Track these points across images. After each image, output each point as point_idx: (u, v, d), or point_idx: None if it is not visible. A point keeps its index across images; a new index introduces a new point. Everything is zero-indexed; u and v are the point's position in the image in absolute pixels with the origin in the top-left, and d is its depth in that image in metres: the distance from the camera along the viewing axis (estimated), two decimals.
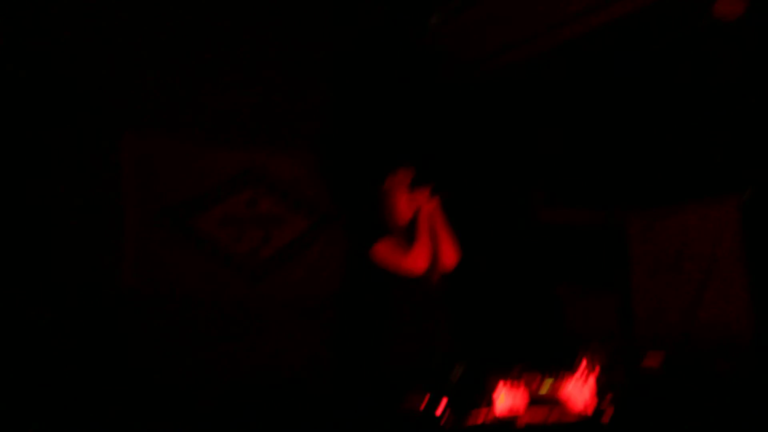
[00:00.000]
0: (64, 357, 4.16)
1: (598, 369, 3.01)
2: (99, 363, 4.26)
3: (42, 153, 4.31)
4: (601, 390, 2.98)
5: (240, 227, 4.81)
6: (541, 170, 5.33)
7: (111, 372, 4.27)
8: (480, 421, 2.84)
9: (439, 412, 2.86)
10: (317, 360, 4.84)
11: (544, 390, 3.09)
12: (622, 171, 5.64)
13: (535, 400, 3.06)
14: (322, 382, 4.77)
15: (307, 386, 4.75)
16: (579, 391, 3.02)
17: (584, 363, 3.04)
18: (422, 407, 2.93)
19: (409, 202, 3.58)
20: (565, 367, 3.11)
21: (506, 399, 2.95)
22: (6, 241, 4.14)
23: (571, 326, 5.32)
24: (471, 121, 5.18)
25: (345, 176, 5.10)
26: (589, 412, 2.91)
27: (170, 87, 4.65)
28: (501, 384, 2.98)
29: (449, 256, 3.60)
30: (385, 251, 3.46)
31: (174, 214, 4.63)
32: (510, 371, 3.07)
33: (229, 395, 4.56)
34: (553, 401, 3.09)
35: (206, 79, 4.76)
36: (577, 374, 3.04)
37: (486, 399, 2.98)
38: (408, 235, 3.56)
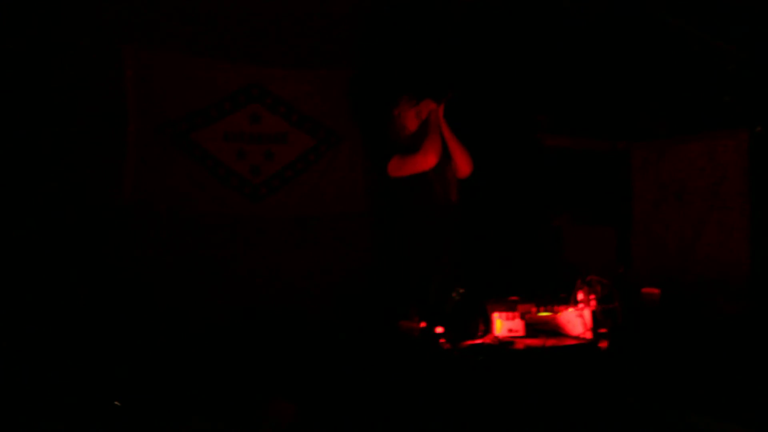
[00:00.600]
0: (64, 275, 4.19)
1: (595, 298, 3.02)
2: (100, 280, 4.29)
3: (43, 72, 4.23)
4: (599, 318, 3.00)
5: (242, 144, 4.75)
6: (547, 95, 5.24)
7: (112, 290, 4.30)
8: (481, 342, 2.87)
9: (438, 333, 2.88)
10: (318, 281, 4.89)
11: (542, 315, 3.11)
12: (629, 100, 5.56)
13: (533, 325, 3.09)
14: (322, 304, 4.83)
15: (306, 308, 4.80)
16: (576, 318, 3.04)
17: (582, 292, 3.06)
18: (421, 329, 2.96)
19: (417, 116, 3.79)
20: (562, 296, 3.13)
21: (504, 324, 2.96)
22: (9, 155, 4.11)
23: (570, 256, 5.34)
24: (479, 45, 5.06)
25: (361, 97, 5.03)
26: (588, 336, 2.94)
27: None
28: (499, 311, 3.00)
29: (463, 162, 3.75)
30: (397, 161, 3.73)
31: (175, 129, 4.57)
32: (508, 299, 3.09)
33: (227, 314, 4.61)
34: (551, 327, 3.12)
35: None
36: (575, 303, 3.06)
37: (484, 324, 3.00)
38: (416, 146, 3.74)
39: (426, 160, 3.66)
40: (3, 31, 4.10)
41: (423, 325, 2.94)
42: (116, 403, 3.69)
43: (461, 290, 2.96)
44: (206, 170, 4.67)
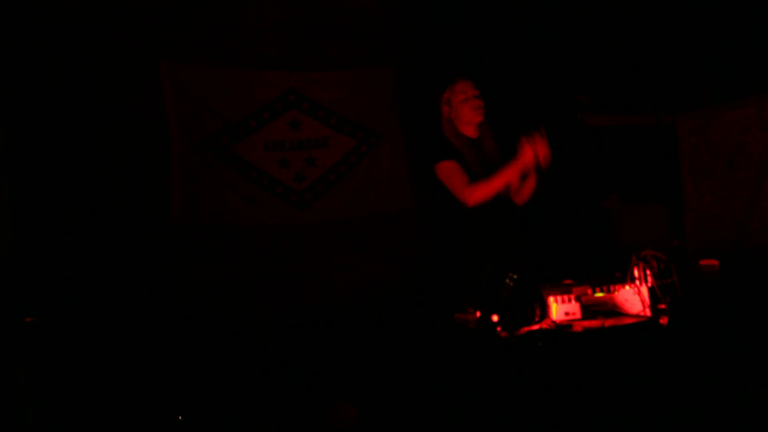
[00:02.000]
0: (117, 294, 4.27)
1: (651, 274, 2.95)
2: (151, 296, 4.36)
3: (89, 92, 4.35)
4: (657, 294, 2.93)
5: (283, 152, 4.80)
6: (585, 74, 5.16)
7: (163, 304, 4.37)
8: (538, 327, 2.83)
9: (494, 322, 2.85)
10: (370, 281, 4.90)
11: (598, 296, 3.06)
12: (669, 70, 5.43)
13: (590, 307, 3.04)
14: (375, 304, 4.83)
15: (360, 309, 4.81)
16: (634, 296, 2.98)
17: (637, 269, 2.99)
18: (477, 319, 2.93)
19: (471, 111, 3.48)
20: (617, 275, 3.07)
21: (560, 308, 2.92)
22: (59, 180, 4.23)
23: (622, 236, 5.25)
24: (514, 27, 5.02)
25: (408, 91, 5.04)
26: (647, 314, 2.88)
27: (205, 12, 4.61)
28: (554, 295, 2.95)
29: (529, 191, 3.58)
30: (449, 171, 3.41)
31: (216, 142, 4.64)
32: (563, 283, 3.04)
33: (283, 320, 4.64)
34: (608, 307, 3.06)
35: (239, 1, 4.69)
36: (631, 280, 3.00)
37: (540, 309, 2.96)
38: (471, 152, 3.49)
39: (469, 200, 3.33)
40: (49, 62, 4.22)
41: (478, 315, 2.91)
42: (179, 417, 3.75)
43: (515, 276, 2.92)
44: (250, 181, 4.72)
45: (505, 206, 3.49)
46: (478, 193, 3.33)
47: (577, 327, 2.81)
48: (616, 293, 3.05)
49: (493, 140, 3.56)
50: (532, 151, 3.19)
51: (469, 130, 3.53)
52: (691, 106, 5.43)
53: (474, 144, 3.52)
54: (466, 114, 3.49)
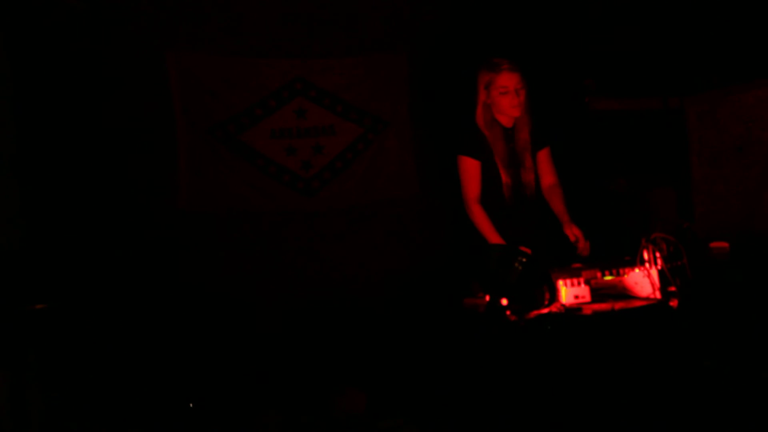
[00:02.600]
0: (126, 282, 4.29)
1: (661, 257, 2.94)
2: (160, 284, 4.37)
3: (96, 82, 4.35)
4: (667, 277, 2.92)
5: (290, 140, 4.79)
6: (592, 58, 5.12)
7: (171, 292, 4.38)
8: (547, 311, 2.82)
9: (503, 305, 2.85)
10: (378, 267, 4.90)
11: (608, 279, 3.05)
12: (677, 53, 5.38)
13: (599, 290, 3.03)
14: (383, 290, 4.84)
15: (368, 295, 4.82)
16: (644, 278, 2.97)
17: (647, 251, 2.98)
18: (486, 303, 2.93)
19: (510, 106, 3.46)
20: (627, 259, 3.06)
21: (570, 291, 2.91)
22: (67, 171, 4.24)
23: (630, 220, 5.23)
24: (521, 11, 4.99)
25: (421, 77, 5.05)
26: (657, 296, 2.87)
27: (211, 1, 4.58)
28: (563, 278, 2.94)
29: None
30: (469, 170, 3.52)
31: (224, 131, 4.63)
32: (572, 266, 3.03)
33: (291, 307, 4.65)
34: (618, 290, 3.06)
35: None
36: (641, 263, 2.99)
37: (549, 293, 2.95)
38: (501, 144, 3.51)
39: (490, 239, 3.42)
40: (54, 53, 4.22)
41: (487, 299, 2.91)
42: (190, 405, 3.77)
43: (524, 259, 2.91)
44: (258, 169, 4.72)
45: (521, 197, 3.56)
46: (475, 217, 3.48)
47: (587, 310, 2.81)
48: (625, 276, 3.04)
49: (529, 129, 3.57)
50: None
51: (505, 119, 3.55)
52: (699, 89, 5.39)
53: (507, 134, 3.55)
54: (505, 107, 3.49)
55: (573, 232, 3.40)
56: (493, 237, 3.40)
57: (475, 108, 3.56)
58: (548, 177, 3.70)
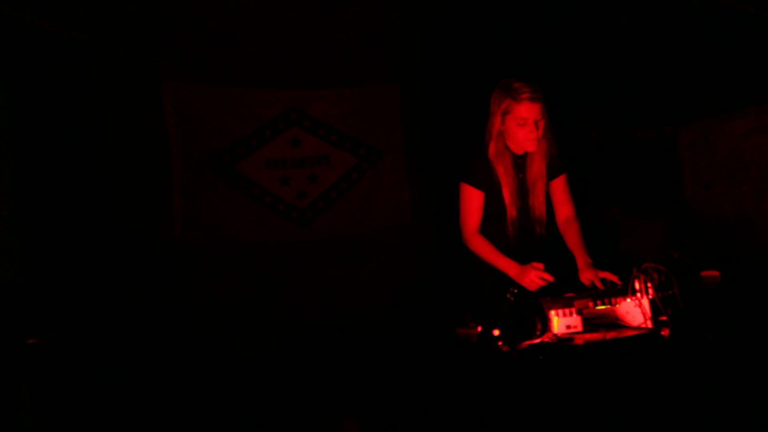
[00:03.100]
0: (121, 313, 4.28)
1: (652, 286, 2.94)
2: (155, 314, 4.37)
3: (92, 112, 4.40)
4: (658, 306, 2.93)
5: (284, 169, 4.82)
6: (586, 86, 5.18)
7: (166, 322, 4.38)
8: (539, 341, 2.82)
9: (495, 336, 2.85)
10: (371, 295, 4.90)
11: (600, 309, 3.05)
12: (670, 83, 5.45)
13: (591, 320, 3.03)
14: (377, 318, 4.83)
15: (362, 323, 4.81)
16: (635, 308, 2.97)
17: (638, 281, 2.98)
18: (479, 333, 2.93)
19: (525, 140, 3.07)
20: (619, 288, 3.06)
21: (562, 321, 2.91)
22: (64, 202, 4.26)
23: (624, 248, 5.25)
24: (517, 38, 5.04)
25: (415, 107, 5.05)
26: (648, 326, 2.87)
27: (206, 32, 4.64)
28: (555, 309, 2.94)
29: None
30: (470, 200, 3.19)
31: (219, 160, 4.67)
32: (564, 296, 3.03)
33: (285, 335, 4.65)
34: (610, 319, 3.06)
35: (241, 19, 4.71)
36: (632, 293, 2.99)
37: (541, 323, 2.95)
38: (511, 176, 3.16)
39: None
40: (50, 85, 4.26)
41: (479, 329, 2.91)
42: None
43: (515, 290, 2.92)
44: (252, 199, 4.74)
45: (526, 235, 3.27)
46: (477, 247, 3.21)
47: (579, 340, 2.80)
48: (617, 306, 3.04)
49: (545, 161, 3.20)
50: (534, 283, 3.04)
51: (516, 148, 3.18)
52: (691, 119, 5.45)
53: (517, 162, 3.20)
54: (520, 139, 3.10)
55: (590, 278, 3.06)
56: (503, 262, 3.11)
57: (482, 133, 3.18)
58: (564, 208, 3.32)
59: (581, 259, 3.16)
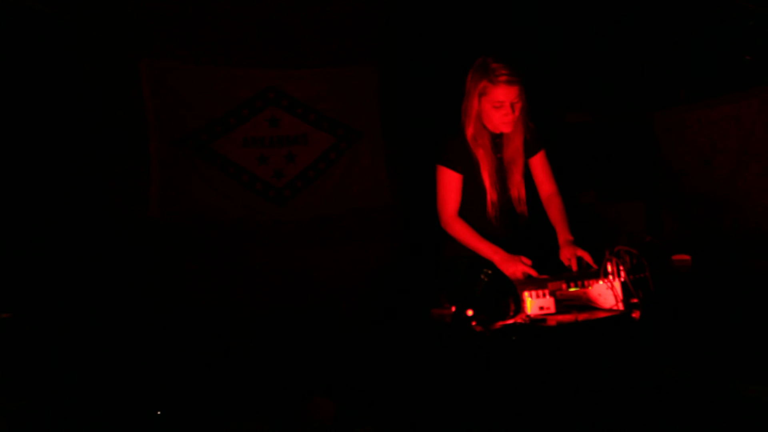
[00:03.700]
0: (97, 291, 4.26)
1: (624, 269, 2.98)
2: (131, 293, 4.36)
3: (68, 89, 4.34)
4: (630, 289, 2.97)
5: (262, 148, 4.80)
6: (563, 70, 5.19)
7: (142, 301, 4.37)
8: (512, 321, 2.86)
9: (469, 316, 2.88)
10: (348, 276, 4.92)
11: (572, 291, 3.08)
12: (647, 68, 5.48)
13: (564, 302, 3.07)
14: (353, 299, 4.86)
15: (338, 304, 4.83)
16: (607, 290, 3.01)
17: (610, 264, 3.02)
18: (453, 313, 2.95)
19: (501, 123, 3.03)
20: (591, 271, 3.10)
21: (535, 302, 2.94)
22: (35, 175, 4.21)
23: (599, 232, 5.30)
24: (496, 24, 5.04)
25: (392, 87, 5.04)
26: (620, 308, 2.91)
27: (184, 10, 4.58)
28: (528, 290, 2.97)
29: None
30: (447, 182, 3.14)
31: (196, 139, 4.64)
32: (538, 278, 3.06)
33: (262, 316, 4.65)
34: (582, 301, 3.10)
35: None
36: (604, 275, 3.03)
37: (515, 304, 2.98)
38: (489, 157, 3.11)
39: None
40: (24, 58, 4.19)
41: (453, 309, 2.93)
42: (158, 412, 3.75)
43: (489, 271, 2.94)
44: (230, 178, 4.73)
45: (509, 216, 3.25)
46: (457, 232, 3.15)
47: (551, 321, 2.84)
48: (589, 288, 3.07)
49: (521, 139, 3.17)
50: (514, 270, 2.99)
51: (493, 128, 3.13)
52: (667, 104, 5.49)
53: (495, 142, 3.16)
54: (496, 122, 3.07)
55: (568, 256, 3.06)
56: (485, 247, 3.07)
57: (461, 110, 3.12)
58: (546, 184, 3.31)
59: (562, 236, 3.17)
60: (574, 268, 3.05)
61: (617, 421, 2.81)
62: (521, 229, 3.29)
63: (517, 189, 3.22)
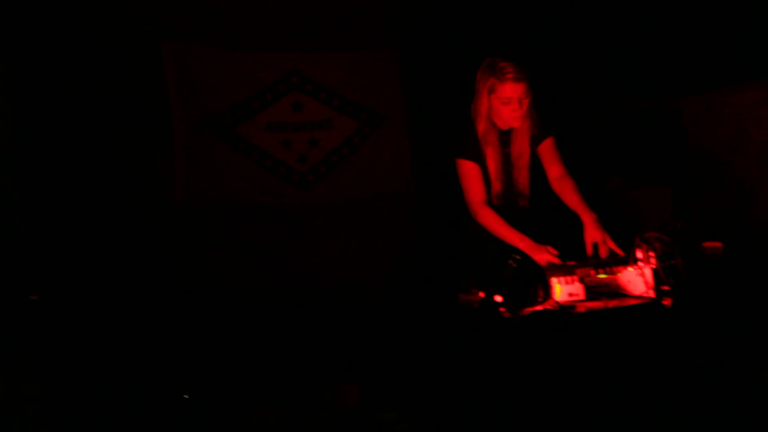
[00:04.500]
0: (123, 277, 4.28)
1: (654, 256, 2.94)
2: (156, 278, 4.37)
3: (92, 74, 4.35)
4: (660, 276, 2.93)
5: (286, 133, 4.80)
6: (590, 57, 5.13)
7: (167, 286, 4.38)
8: (541, 308, 2.83)
9: (497, 302, 2.86)
10: (371, 261, 4.90)
11: (602, 277, 3.05)
12: (675, 53, 5.39)
13: (593, 288, 3.04)
14: (377, 284, 4.85)
15: (361, 289, 4.82)
16: (637, 277, 2.97)
17: (640, 250, 2.98)
18: (481, 299, 2.93)
19: (510, 117, 3.14)
20: (621, 257, 3.06)
21: (564, 289, 2.92)
22: (60, 160, 4.23)
23: (626, 219, 5.24)
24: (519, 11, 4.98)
25: (417, 73, 5.01)
26: (650, 295, 2.87)
27: None
28: (557, 276, 2.94)
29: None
30: (468, 173, 3.24)
31: (220, 124, 4.63)
32: (566, 264, 3.03)
33: (285, 301, 4.66)
34: (611, 288, 3.06)
35: None
36: (634, 262, 2.99)
37: (543, 290, 2.95)
38: (497, 152, 3.23)
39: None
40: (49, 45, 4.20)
41: (482, 295, 2.91)
42: (185, 396, 3.77)
43: (518, 257, 2.91)
44: (253, 162, 4.72)
45: (512, 208, 3.33)
46: (486, 220, 3.20)
47: (581, 308, 2.81)
48: (619, 275, 3.04)
49: (529, 136, 3.27)
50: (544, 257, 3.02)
51: (502, 124, 3.25)
52: (696, 90, 5.40)
53: (503, 137, 3.27)
54: (505, 117, 3.18)
55: (593, 239, 3.06)
56: (514, 235, 3.11)
57: (471, 107, 3.26)
58: (553, 167, 3.33)
59: (586, 215, 3.14)
60: (601, 254, 3.04)
61: (647, 410, 2.78)
62: (523, 222, 3.28)
63: (522, 183, 3.34)
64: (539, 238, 3.14)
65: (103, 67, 4.36)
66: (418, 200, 5.08)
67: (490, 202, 3.26)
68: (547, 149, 3.35)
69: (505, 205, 3.30)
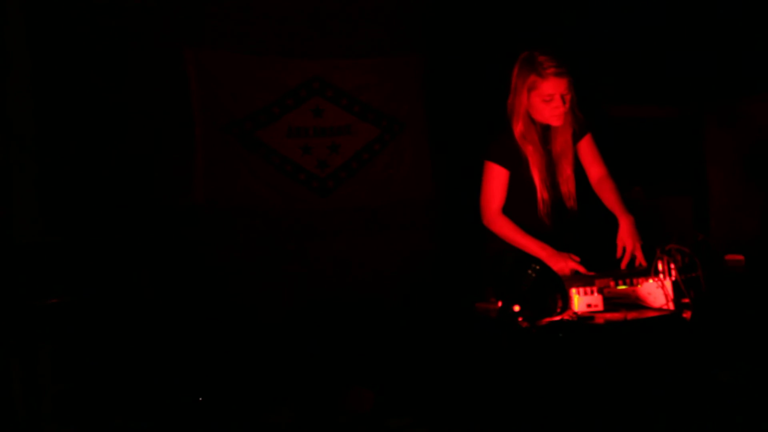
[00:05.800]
0: (141, 278, 4.31)
1: (675, 268, 2.92)
2: (175, 277, 4.39)
3: (114, 78, 4.37)
4: (681, 288, 2.91)
5: (306, 139, 4.81)
6: (609, 62, 5.10)
7: (186, 288, 4.40)
8: (559, 318, 2.81)
9: (515, 312, 2.84)
10: (390, 268, 4.90)
11: (621, 289, 3.03)
12: (696, 62, 5.35)
13: (612, 299, 3.02)
14: (395, 291, 4.84)
15: (379, 295, 4.82)
16: (657, 289, 2.95)
17: (661, 262, 2.96)
18: (498, 308, 2.92)
19: (551, 115, 3.00)
20: (640, 269, 3.04)
21: (583, 299, 2.90)
22: (82, 162, 4.26)
23: (646, 228, 5.21)
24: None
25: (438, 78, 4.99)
26: (670, 307, 2.85)
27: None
28: (576, 286, 2.93)
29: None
30: (494, 179, 3.11)
31: (240, 128, 4.65)
32: (585, 274, 3.02)
33: (302, 306, 4.66)
34: (631, 300, 3.04)
35: None
36: (655, 274, 2.97)
37: (562, 301, 2.94)
38: (539, 152, 3.08)
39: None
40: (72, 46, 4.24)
41: (500, 304, 2.90)
42: (200, 398, 3.79)
43: (537, 267, 2.90)
44: (273, 167, 4.74)
45: (560, 214, 3.21)
46: (502, 229, 3.14)
47: (599, 319, 2.80)
48: (639, 286, 3.02)
49: (571, 129, 3.12)
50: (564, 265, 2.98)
51: (541, 121, 3.11)
52: (718, 99, 5.36)
53: (544, 135, 3.12)
54: (546, 115, 3.04)
55: (624, 243, 3.04)
56: (532, 244, 3.06)
57: (507, 106, 3.10)
58: (595, 168, 3.23)
59: (624, 218, 3.09)
60: (621, 266, 3.03)
61: (665, 423, 2.76)
62: (570, 225, 3.24)
63: (567, 184, 3.18)
64: (589, 241, 3.12)
65: (127, 69, 4.39)
66: (437, 207, 5.07)
67: (537, 211, 3.12)
68: (586, 147, 3.24)
69: (553, 210, 3.16)
